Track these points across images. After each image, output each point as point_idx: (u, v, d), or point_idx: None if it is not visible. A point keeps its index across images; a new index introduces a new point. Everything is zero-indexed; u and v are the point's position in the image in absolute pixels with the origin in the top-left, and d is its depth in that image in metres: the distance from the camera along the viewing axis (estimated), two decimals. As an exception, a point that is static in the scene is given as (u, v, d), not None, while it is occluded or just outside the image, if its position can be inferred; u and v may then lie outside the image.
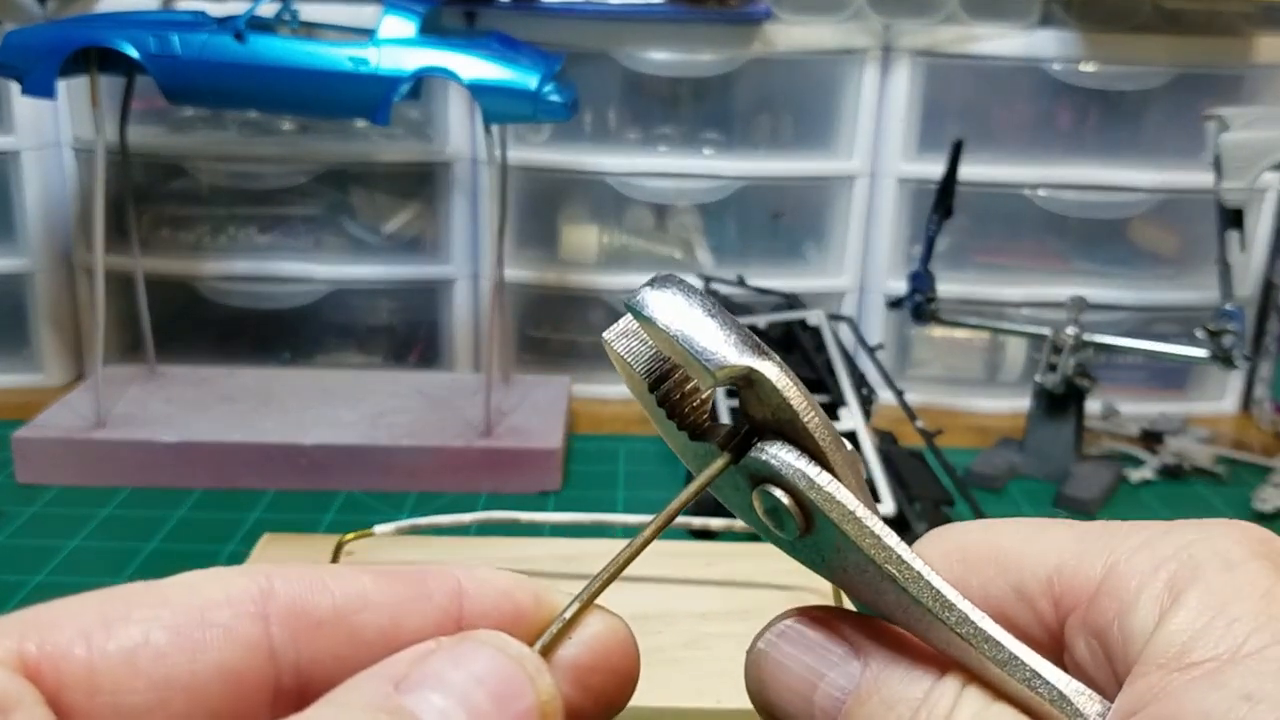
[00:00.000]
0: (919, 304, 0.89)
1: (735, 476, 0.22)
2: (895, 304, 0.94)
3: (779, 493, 0.21)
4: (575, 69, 0.87)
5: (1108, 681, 0.20)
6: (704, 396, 0.23)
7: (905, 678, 0.21)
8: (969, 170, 0.90)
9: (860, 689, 0.21)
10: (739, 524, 0.60)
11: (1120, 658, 0.20)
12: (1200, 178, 0.90)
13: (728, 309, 0.89)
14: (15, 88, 0.79)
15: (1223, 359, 0.82)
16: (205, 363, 0.99)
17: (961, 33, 0.96)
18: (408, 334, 1.07)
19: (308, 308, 1.02)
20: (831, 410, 0.80)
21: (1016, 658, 0.20)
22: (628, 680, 0.21)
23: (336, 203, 1.03)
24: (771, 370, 0.21)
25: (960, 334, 1.05)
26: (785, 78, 1.00)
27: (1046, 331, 0.87)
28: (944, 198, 0.87)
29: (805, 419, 0.21)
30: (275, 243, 1.02)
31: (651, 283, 0.21)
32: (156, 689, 0.18)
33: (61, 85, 0.78)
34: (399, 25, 0.77)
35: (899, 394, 0.84)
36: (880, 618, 0.22)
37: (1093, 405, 0.93)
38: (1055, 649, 0.21)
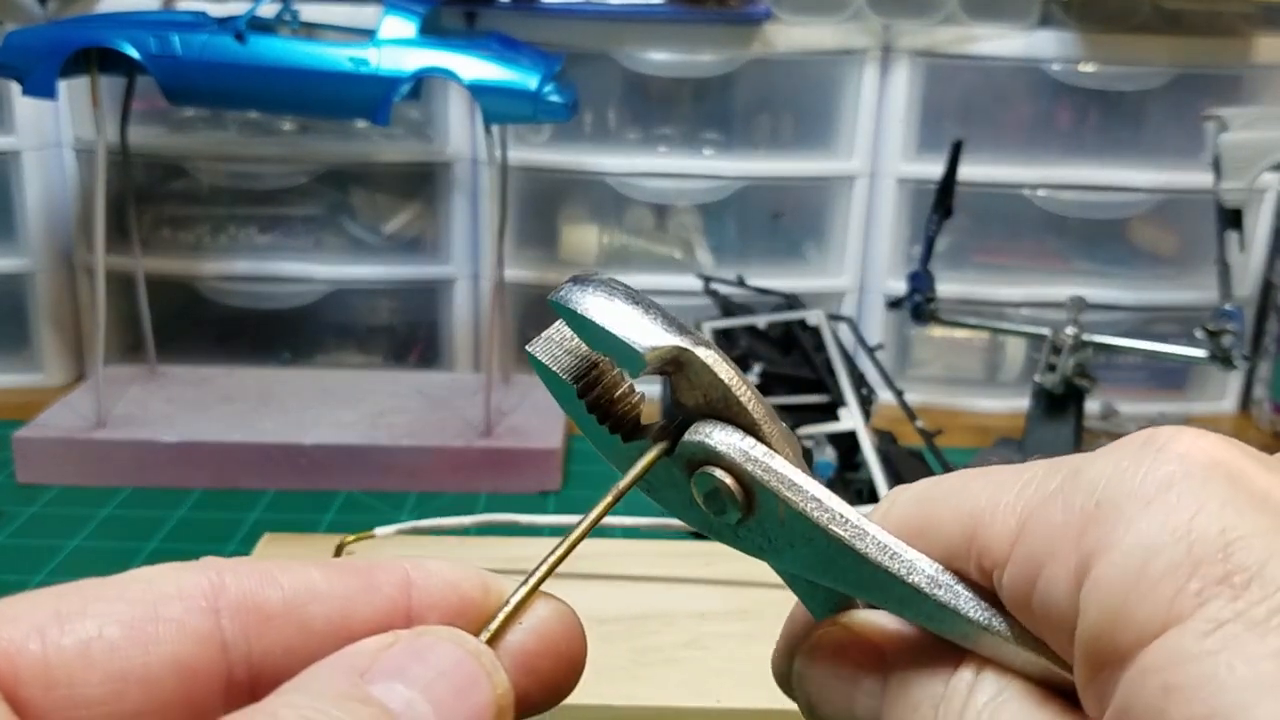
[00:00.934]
0: (919, 304, 0.89)
1: (671, 471, 0.22)
2: (895, 304, 0.94)
3: (718, 472, 0.21)
4: (575, 69, 0.87)
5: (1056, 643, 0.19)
6: (634, 400, 0.22)
7: (924, 679, 0.21)
8: (968, 170, 0.90)
9: (885, 701, 0.21)
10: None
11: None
12: (1200, 178, 0.90)
13: (727, 309, 0.89)
14: (16, 88, 0.79)
15: (1222, 359, 0.82)
16: (205, 363, 0.99)
17: (961, 33, 0.97)
18: (408, 334, 1.07)
19: (308, 308, 1.02)
20: (831, 410, 0.80)
21: (969, 599, 0.20)
22: (574, 665, 0.22)
23: (337, 203, 1.03)
24: (700, 349, 0.21)
25: (960, 334, 1.05)
26: (785, 78, 1.00)
27: (1046, 331, 0.87)
28: (943, 198, 0.87)
29: (737, 393, 0.21)
30: (275, 243, 1.03)
31: (573, 280, 0.21)
32: (111, 682, 0.18)
33: (62, 85, 0.78)
34: (399, 26, 0.77)
35: (898, 394, 0.84)
36: (847, 596, 0.22)
37: (1092, 405, 0.93)
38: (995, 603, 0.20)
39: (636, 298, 0.21)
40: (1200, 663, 0.16)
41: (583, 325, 0.21)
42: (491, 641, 0.20)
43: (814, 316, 0.91)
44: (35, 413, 0.86)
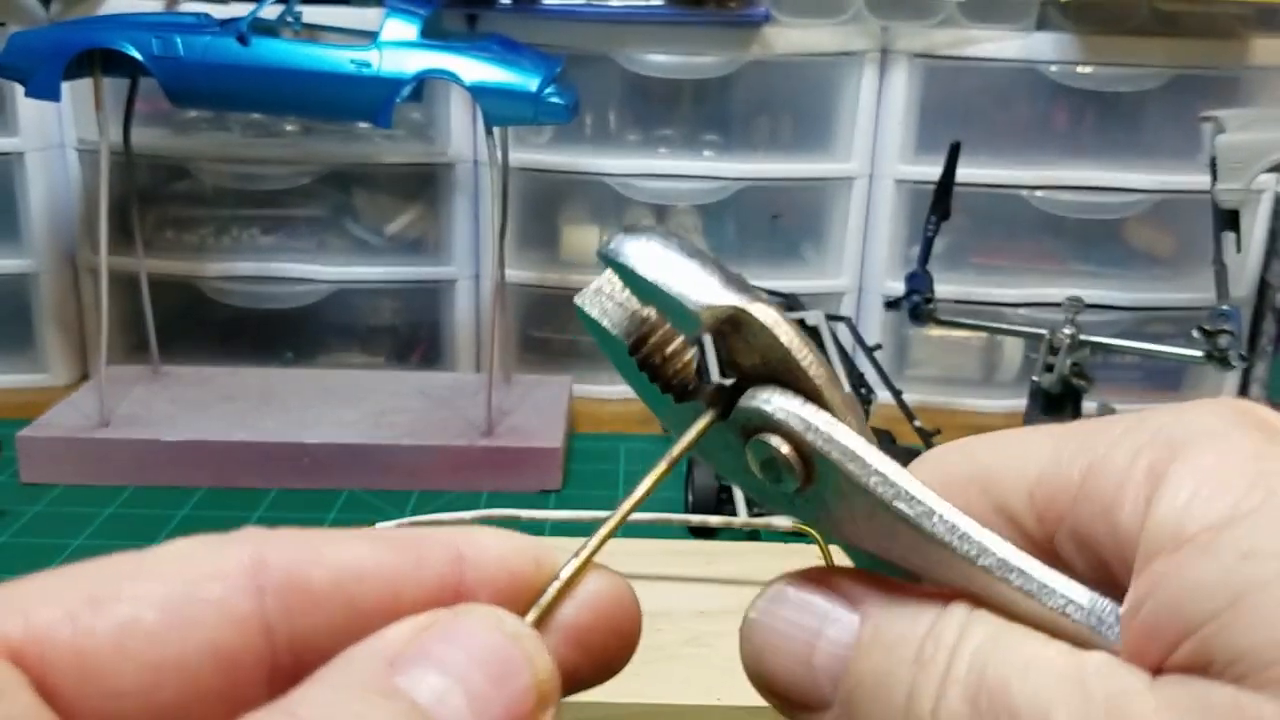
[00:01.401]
0: (917, 304, 0.90)
1: (726, 435, 0.20)
2: (893, 304, 0.94)
3: (775, 440, 0.20)
4: (576, 71, 0.87)
5: (1113, 591, 0.19)
6: (687, 359, 0.21)
7: (907, 616, 0.19)
8: (966, 172, 0.90)
9: (861, 639, 0.20)
10: (738, 521, 0.61)
11: (1116, 560, 0.19)
12: (1196, 179, 0.91)
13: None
14: (20, 90, 0.79)
15: (1218, 359, 0.83)
16: (208, 363, 0.99)
17: (959, 35, 0.97)
18: (410, 334, 1.07)
19: (310, 308, 1.03)
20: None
21: (1047, 586, 0.18)
22: (628, 639, 0.21)
23: (339, 204, 1.03)
24: (759, 308, 0.19)
25: (958, 334, 1.05)
26: (784, 80, 1.00)
27: (1043, 332, 0.87)
28: (942, 199, 0.88)
29: (799, 357, 0.19)
30: (278, 244, 1.03)
31: (626, 230, 0.20)
32: (146, 672, 0.17)
33: (66, 87, 0.78)
34: (401, 28, 0.78)
35: (897, 394, 0.85)
36: (897, 569, 0.20)
37: (1089, 405, 0.93)
38: (1052, 565, 0.19)
39: (692, 251, 0.20)
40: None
41: (634, 280, 0.20)
42: (541, 619, 0.19)
43: (813, 317, 0.91)
44: (39, 412, 0.86)
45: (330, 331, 1.06)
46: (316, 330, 1.05)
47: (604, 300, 0.21)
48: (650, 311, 0.21)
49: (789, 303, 0.96)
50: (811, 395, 0.20)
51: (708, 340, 0.20)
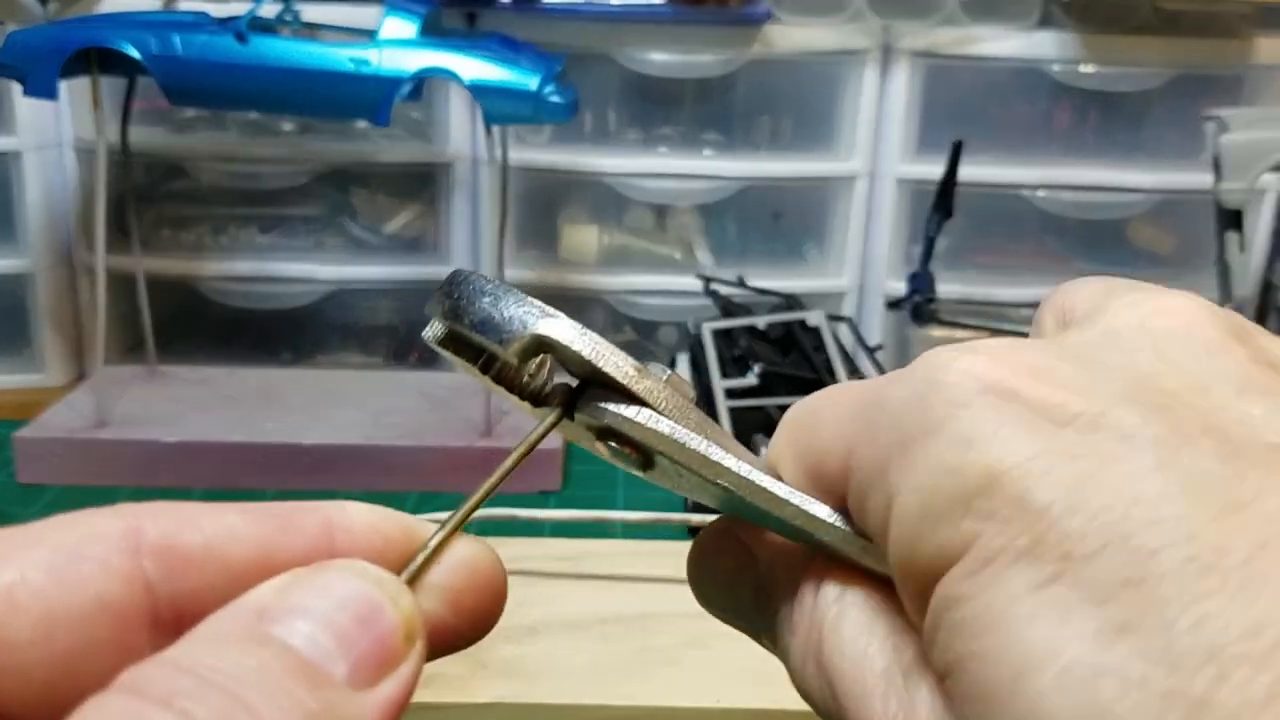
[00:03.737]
0: (918, 304, 0.89)
1: (581, 429, 0.23)
2: (895, 304, 0.94)
3: (611, 440, 0.22)
4: (576, 70, 0.87)
5: None
6: (533, 372, 0.23)
7: (790, 580, 0.22)
8: (968, 171, 0.90)
9: (761, 598, 0.23)
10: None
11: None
12: (1199, 179, 0.90)
13: (727, 309, 0.89)
14: (17, 88, 0.79)
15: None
16: (206, 362, 0.99)
17: (961, 34, 0.97)
18: (409, 334, 1.07)
19: (309, 308, 1.03)
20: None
21: (810, 512, 0.21)
22: (496, 596, 0.22)
23: (338, 203, 1.03)
24: (555, 328, 0.21)
25: (960, 334, 1.05)
26: (785, 79, 1.00)
27: (1046, 332, 0.87)
28: (943, 198, 0.87)
29: (600, 364, 0.21)
30: (276, 243, 1.03)
31: (440, 287, 0.22)
32: (40, 623, 0.18)
33: (63, 86, 0.78)
34: (400, 26, 0.77)
35: (898, 394, 0.84)
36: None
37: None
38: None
39: (486, 288, 0.22)
40: (972, 602, 0.16)
41: (455, 341, 0.22)
42: (412, 581, 0.21)
43: (814, 317, 0.91)
44: (36, 413, 0.86)
45: (329, 331, 1.06)
46: (315, 330, 1.05)
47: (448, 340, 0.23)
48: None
49: (790, 303, 0.96)
50: (625, 394, 0.22)
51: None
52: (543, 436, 0.23)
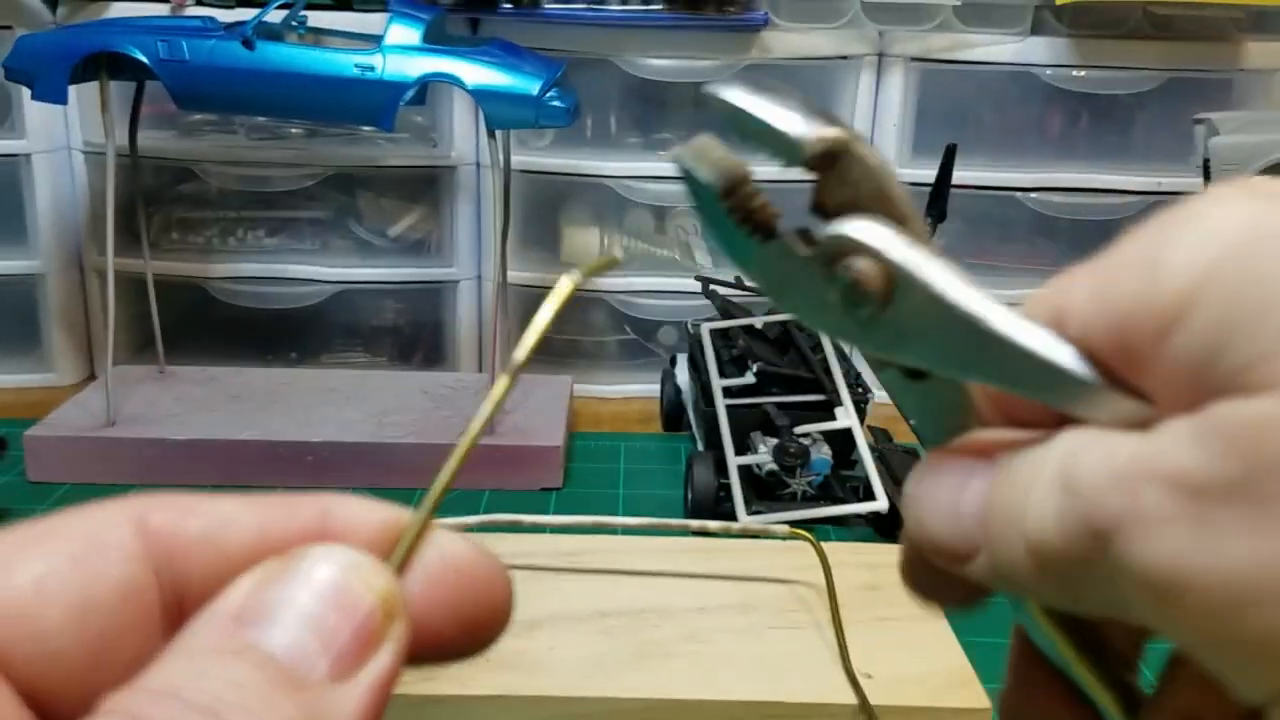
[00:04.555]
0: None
1: (805, 271, 0.21)
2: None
3: (859, 263, 0.20)
4: (576, 75, 0.88)
5: None
6: (772, 209, 0.22)
7: (1029, 450, 0.20)
8: (962, 174, 0.91)
9: (994, 479, 0.20)
10: (736, 526, 0.62)
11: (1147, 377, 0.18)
12: (1190, 181, 0.92)
13: (725, 309, 0.89)
14: (26, 92, 0.80)
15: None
16: (214, 362, 1.00)
17: (955, 40, 0.98)
18: (413, 334, 1.08)
19: (315, 308, 1.04)
20: (827, 409, 0.81)
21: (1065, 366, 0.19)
22: (494, 599, 0.21)
23: (343, 206, 1.04)
24: (860, 140, 0.20)
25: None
26: (782, 83, 1.01)
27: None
28: (937, 201, 0.89)
29: (892, 184, 0.20)
30: (283, 245, 1.04)
31: (720, 82, 0.21)
32: (71, 610, 0.18)
33: (72, 90, 0.79)
34: (404, 33, 0.78)
35: (893, 393, 0.85)
36: (960, 421, 0.22)
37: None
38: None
39: (789, 95, 0.21)
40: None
41: (739, 116, 0.21)
42: (401, 567, 0.20)
43: (811, 317, 0.92)
44: (46, 412, 0.87)
45: (334, 332, 1.07)
46: (321, 330, 1.06)
47: (698, 154, 0.22)
48: (742, 168, 0.22)
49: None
50: (899, 221, 0.20)
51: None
52: (512, 385, 0.21)
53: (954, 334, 0.20)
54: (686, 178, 0.22)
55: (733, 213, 0.21)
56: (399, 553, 0.20)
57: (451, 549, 0.21)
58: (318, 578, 0.18)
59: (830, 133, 0.20)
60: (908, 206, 0.21)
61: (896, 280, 0.20)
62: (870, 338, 0.21)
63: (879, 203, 0.21)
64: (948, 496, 0.21)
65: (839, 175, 0.21)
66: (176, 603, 0.19)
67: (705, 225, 0.22)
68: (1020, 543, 0.19)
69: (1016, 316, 0.20)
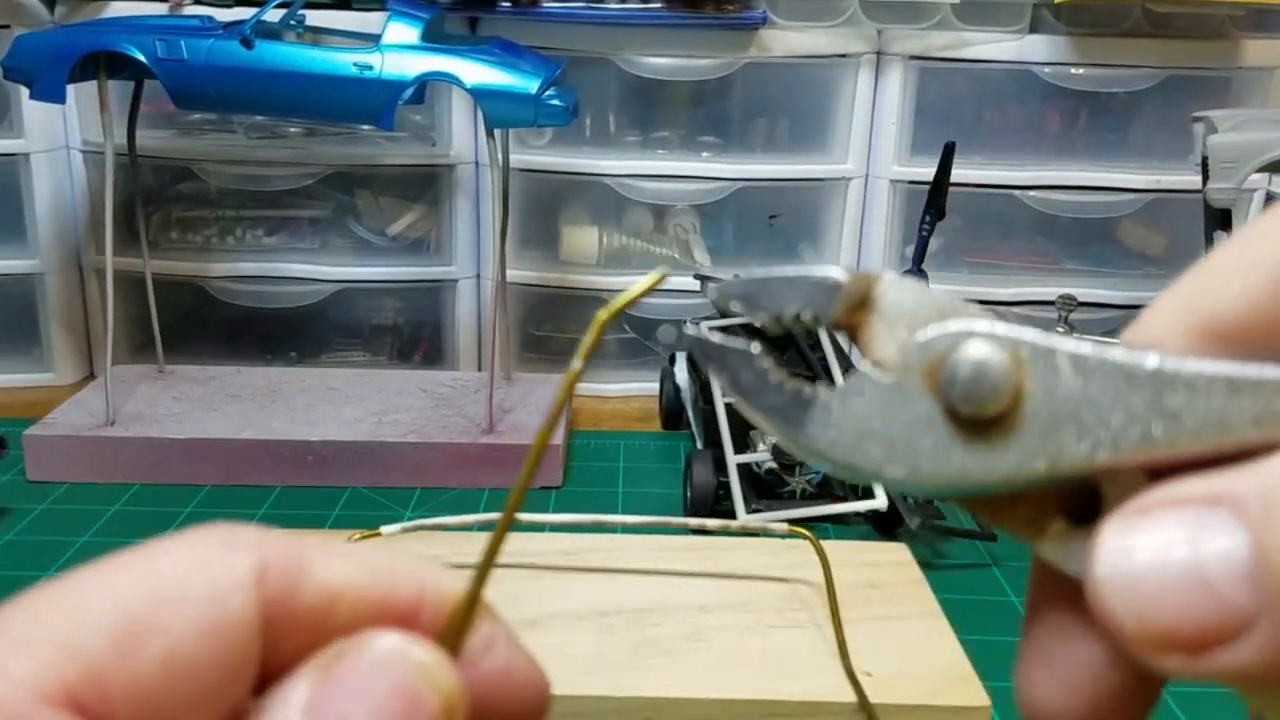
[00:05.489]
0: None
1: (903, 394, 0.19)
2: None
3: (973, 347, 0.18)
4: (575, 74, 0.88)
5: None
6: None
7: None
8: (960, 172, 0.91)
9: (1255, 521, 0.15)
10: (735, 524, 0.62)
11: None
12: (1188, 179, 0.92)
13: (725, 312, 0.89)
14: (25, 92, 0.80)
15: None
16: (213, 361, 1.00)
17: (953, 38, 0.98)
18: (412, 333, 1.08)
19: (314, 307, 1.04)
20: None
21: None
22: (536, 709, 0.21)
23: (342, 205, 1.04)
24: (889, 276, 0.19)
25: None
26: (781, 82, 1.01)
27: (1037, 330, 0.88)
28: (936, 199, 0.89)
29: (955, 302, 0.18)
30: (282, 244, 1.04)
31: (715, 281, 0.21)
32: (193, 699, 0.17)
33: (71, 90, 0.79)
34: (403, 31, 0.78)
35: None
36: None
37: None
38: None
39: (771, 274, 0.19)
40: None
41: (766, 283, 0.20)
42: (456, 639, 0.20)
43: (810, 316, 0.92)
44: (45, 411, 0.87)
45: (334, 330, 1.07)
46: (320, 329, 1.06)
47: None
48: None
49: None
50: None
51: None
52: (568, 392, 0.20)
53: (1118, 398, 0.17)
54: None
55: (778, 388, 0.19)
56: (457, 629, 0.20)
57: (507, 655, 0.21)
58: (384, 680, 0.18)
59: (857, 273, 0.19)
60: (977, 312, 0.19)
61: (1027, 367, 0.17)
62: (997, 461, 0.18)
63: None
64: (1179, 568, 0.16)
65: (881, 315, 0.19)
66: (260, 670, 0.19)
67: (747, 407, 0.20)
68: None
69: (1166, 354, 0.17)
